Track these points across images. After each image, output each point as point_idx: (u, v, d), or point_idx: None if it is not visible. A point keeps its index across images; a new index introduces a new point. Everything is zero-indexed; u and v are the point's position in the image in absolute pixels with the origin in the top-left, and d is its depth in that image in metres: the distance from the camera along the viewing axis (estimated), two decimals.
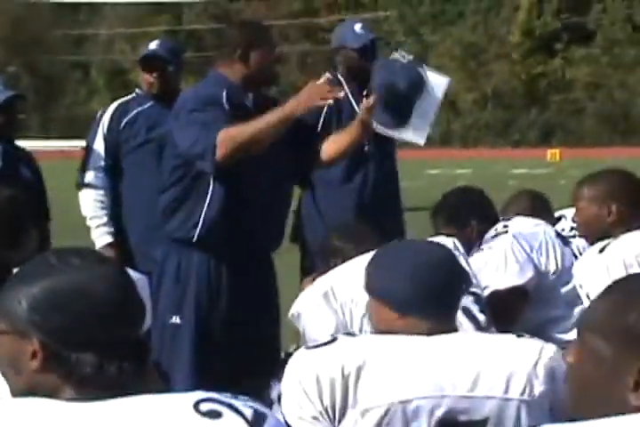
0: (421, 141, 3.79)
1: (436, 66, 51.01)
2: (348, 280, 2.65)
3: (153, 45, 4.71)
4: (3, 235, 2.61)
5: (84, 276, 1.50)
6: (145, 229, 4.43)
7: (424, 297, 2.10)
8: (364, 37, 4.40)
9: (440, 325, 2.11)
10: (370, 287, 2.17)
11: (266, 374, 3.08)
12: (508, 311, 3.13)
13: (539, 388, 2.07)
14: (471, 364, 2.07)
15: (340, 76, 4.48)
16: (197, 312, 3.67)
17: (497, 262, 3.27)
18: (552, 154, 32.81)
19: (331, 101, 3.52)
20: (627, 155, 28.72)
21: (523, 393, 2.05)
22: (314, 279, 2.94)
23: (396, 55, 3.98)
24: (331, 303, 2.69)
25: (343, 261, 2.82)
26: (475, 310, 2.75)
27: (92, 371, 1.47)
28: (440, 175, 25.15)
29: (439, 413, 2.02)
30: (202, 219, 3.62)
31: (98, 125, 4.69)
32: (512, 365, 2.07)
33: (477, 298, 2.78)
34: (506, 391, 2.05)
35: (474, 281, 2.81)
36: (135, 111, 4.68)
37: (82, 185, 4.61)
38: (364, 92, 4.44)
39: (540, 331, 3.20)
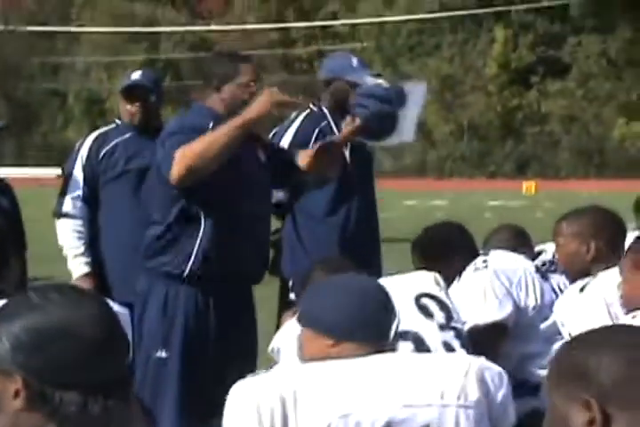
0: (410, 140, 3.86)
1: None
2: None
3: (136, 75, 4.69)
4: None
5: (68, 314, 1.47)
6: (123, 259, 4.40)
7: (359, 323, 2.19)
8: (361, 72, 4.41)
9: (376, 350, 2.18)
10: (304, 317, 2.26)
11: None
12: (487, 346, 3.12)
13: (474, 394, 2.13)
14: (407, 376, 2.14)
15: (323, 108, 4.47)
16: (184, 346, 3.61)
17: (476, 297, 3.26)
18: (527, 186, 32.99)
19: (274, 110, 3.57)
20: (601, 188, 28.94)
21: (459, 399, 2.12)
22: (294, 313, 2.92)
23: (377, 81, 4.02)
24: None
25: None
26: (456, 345, 2.74)
27: (77, 410, 1.44)
28: (416, 206, 25.20)
29: (380, 423, 2.07)
30: (194, 254, 3.58)
31: (77, 155, 4.67)
32: (445, 375, 2.15)
33: (458, 333, 2.78)
34: (442, 398, 2.11)
35: (454, 316, 2.80)
36: (114, 141, 4.66)
37: (60, 215, 4.59)
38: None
39: (519, 366, 3.19)
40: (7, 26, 51.13)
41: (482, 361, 2.22)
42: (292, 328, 2.77)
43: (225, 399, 3.49)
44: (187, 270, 3.57)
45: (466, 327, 3.15)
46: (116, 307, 2.52)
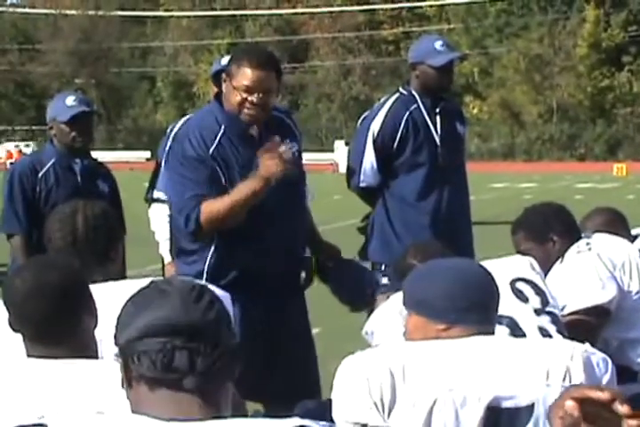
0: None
1: (501, 78, 50.70)
2: None
3: (225, 61, 4.68)
4: (97, 248, 2.63)
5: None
6: None
7: (469, 307, 2.20)
8: (445, 56, 4.34)
9: (482, 332, 2.20)
10: (412, 303, 2.27)
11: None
12: (588, 330, 3.05)
13: (579, 377, 2.13)
14: (513, 356, 2.15)
15: (413, 92, 4.43)
16: None
17: (580, 280, 3.19)
18: (618, 168, 32.44)
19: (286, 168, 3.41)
20: None
21: (564, 380, 2.12)
22: (388, 297, 2.90)
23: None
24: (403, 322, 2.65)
25: None
26: (552, 330, 2.70)
27: None
28: (505, 189, 24.96)
29: (486, 399, 2.09)
30: (206, 267, 3.50)
31: (168, 140, 4.69)
32: (551, 357, 2.15)
33: (554, 318, 2.74)
34: (547, 379, 2.12)
35: (550, 301, 2.76)
36: None
37: (151, 200, 4.62)
38: (437, 109, 4.39)
39: (619, 352, 3.12)
40: (98, 11, 51.95)
41: (587, 346, 2.23)
42: (385, 311, 2.76)
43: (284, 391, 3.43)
44: (204, 276, 3.49)
45: (567, 310, 3.09)
46: (218, 291, 2.53)
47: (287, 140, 3.56)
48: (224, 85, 3.50)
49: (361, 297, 3.68)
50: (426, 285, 2.25)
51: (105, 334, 2.09)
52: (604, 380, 2.17)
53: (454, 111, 4.59)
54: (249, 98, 3.42)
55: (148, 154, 43.67)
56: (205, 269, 3.50)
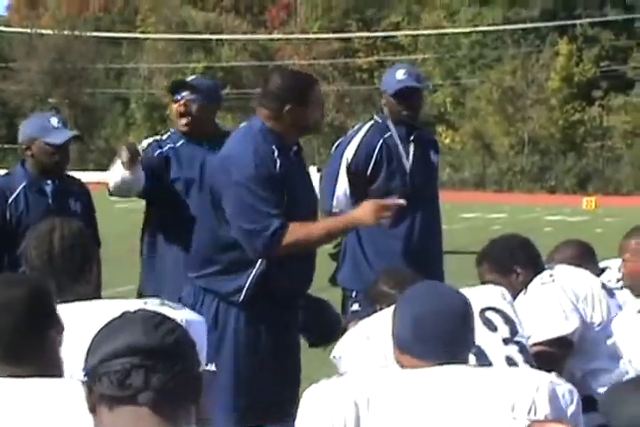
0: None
1: (473, 109, 50.84)
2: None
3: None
4: (73, 267, 2.62)
5: None
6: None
7: (421, 339, 2.20)
8: (400, 84, 4.39)
9: (439, 363, 2.17)
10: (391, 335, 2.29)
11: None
12: (551, 361, 3.06)
13: (544, 409, 2.11)
14: (478, 388, 2.14)
15: (387, 120, 4.47)
16: (235, 359, 3.56)
17: (543, 311, 3.21)
18: (588, 202, 32.65)
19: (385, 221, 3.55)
20: None
21: (529, 413, 2.10)
22: (356, 323, 2.91)
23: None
24: (373, 347, 2.66)
25: (388, 306, 2.80)
26: (519, 360, 2.71)
27: None
28: (475, 219, 25.06)
29: None
30: (248, 283, 3.52)
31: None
32: (516, 388, 2.13)
33: (522, 347, 2.75)
34: (512, 411, 2.10)
35: (519, 330, 2.77)
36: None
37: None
38: (411, 137, 4.43)
39: (582, 383, 3.13)
40: (74, 31, 51.89)
41: (553, 377, 2.21)
42: (353, 337, 2.76)
43: (275, 410, 3.47)
44: (241, 298, 3.52)
45: (531, 341, 3.11)
46: (193, 315, 2.53)
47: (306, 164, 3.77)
48: (283, 112, 3.53)
49: (324, 340, 3.69)
50: (398, 318, 2.27)
51: (72, 353, 2.09)
52: (570, 411, 2.15)
53: (428, 140, 4.64)
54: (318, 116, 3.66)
55: None
56: (247, 286, 3.50)
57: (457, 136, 47.10)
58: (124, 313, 1.72)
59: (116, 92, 53.20)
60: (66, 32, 51.56)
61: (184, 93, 4.37)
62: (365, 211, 3.44)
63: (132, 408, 1.61)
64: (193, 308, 3.47)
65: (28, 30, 52.17)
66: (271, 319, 3.57)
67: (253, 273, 3.50)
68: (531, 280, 3.30)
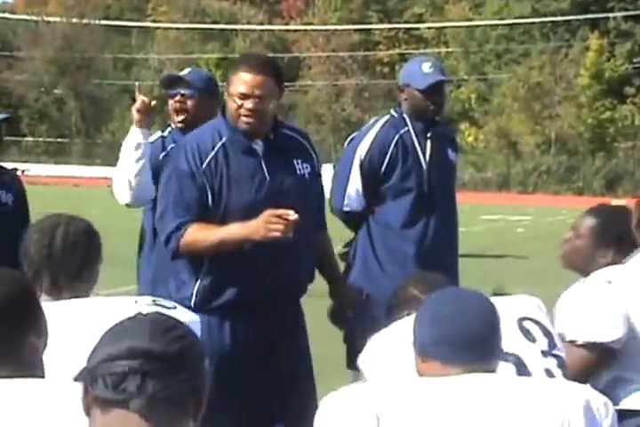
0: None
1: (499, 105, 50.38)
2: None
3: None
4: (72, 265, 2.64)
5: None
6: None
7: (444, 340, 2.17)
8: (430, 78, 4.34)
9: (467, 370, 2.14)
10: (413, 342, 2.27)
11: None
12: (586, 367, 3.04)
13: (578, 423, 2.08)
14: (509, 400, 2.10)
15: (404, 115, 4.45)
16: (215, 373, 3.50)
17: (589, 312, 3.17)
18: None
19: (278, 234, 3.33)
20: None
21: None
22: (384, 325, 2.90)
23: None
24: (401, 352, 2.65)
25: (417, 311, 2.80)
26: (558, 374, 2.67)
27: None
28: (497, 221, 25.02)
29: None
30: (195, 291, 3.48)
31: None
32: (548, 401, 2.10)
33: (561, 362, 2.70)
34: (544, 426, 2.06)
35: (558, 344, 2.74)
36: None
37: None
38: (429, 134, 4.40)
39: (608, 389, 3.10)
40: (82, 19, 52.00)
41: (587, 389, 2.19)
42: (381, 341, 2.76)
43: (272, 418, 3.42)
44: (191, 303, 3.46)
45: (574, 337, 3.08)
46: (187, 314, 2.55)
47: (299, 161, 3.58)
48: (225, 96, 3.53)
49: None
50: (418, 322, 2.24)
51: (58, 352, 2.11)
52: (605, 425, 2.13)
53: (447, 137, 4.60)
54: (244, 104, 3.43)
55: None
56: (194, 294, 3.50)
57: (481, 134, 47.03)
58: (136, 314, 1.72)
59: (124, 84, 53.31)
60: (74, 19, 51.69)
61: (179, 89, 4.38)
62: (258, 223, 3.33)
63: (123, 413, 1.62)
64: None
65: (34, 17, 52.33)
66: (231, 328, 3.46)
67: (199, 281, 3.49)
68: (615, 263, 3.24)
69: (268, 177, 3.49)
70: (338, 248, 4.43)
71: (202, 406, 1.68)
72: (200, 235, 3.44)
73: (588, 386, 2.22)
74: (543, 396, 2.13)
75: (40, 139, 50.52)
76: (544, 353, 2.69)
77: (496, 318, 2.23)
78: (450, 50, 50.71)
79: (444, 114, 4.71)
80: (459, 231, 4.59)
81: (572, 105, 44.91)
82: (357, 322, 4.03)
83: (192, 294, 3.50)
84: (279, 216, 3.30)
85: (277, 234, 3.31)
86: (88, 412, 1.66)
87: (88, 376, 1.65)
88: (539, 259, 11.45)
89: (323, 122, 50.24)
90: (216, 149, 3.47)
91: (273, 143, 3.52)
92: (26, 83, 51.21)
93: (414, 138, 4.40)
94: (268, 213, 3.32)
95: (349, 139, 4.54)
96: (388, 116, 4.46)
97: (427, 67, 4.38)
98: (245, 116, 3.43)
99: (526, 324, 2.70)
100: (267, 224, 3.32)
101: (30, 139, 49.56)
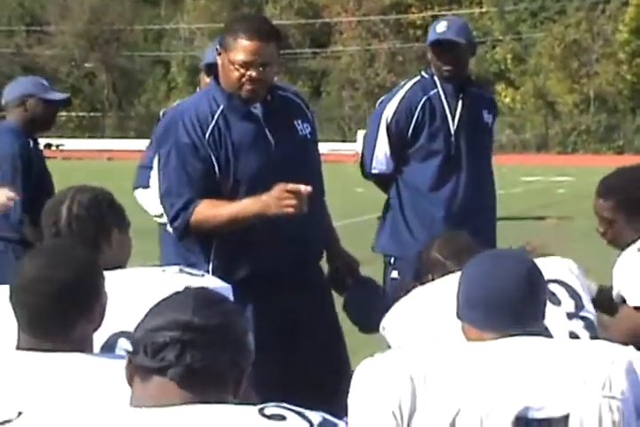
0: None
1: (535, 65, 50.02)
2: (445, 294, 2.63)
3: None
4: (85, 239, 2.60)
5: None
6: None
7: (478, 307, 2.17)
8: (437, 36, 4.32)
9: (508, 334, 2.14)
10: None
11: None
12: (633, 331, 3.01)
13: (620, 384, 2.07)
14: (547, 361, 2.10)
15: (434, 77, 4.40)
16: None
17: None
18: None
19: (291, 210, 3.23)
20: None
21: (603, 389, 2.06)
22: (408, 291, 2.90)
23: None
24: (424, 318, 2.66)
25: (441, 277, 2.78)
26: (584, 335, 2.65)
27: None
28: (537, 183, 24.89)
29: (514, 410, 2.04)
30: (211, 266, 3.41)
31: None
32: (589, 362, 2.09)
33: (588, 323, 2.70)
34: (584, 386, 2.06)
35: (586, 305, 2.73)
36: None
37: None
38: (460, 95, 4.36)
39: None
40: None
41: (630, 350, 2.16)
42: (404, 307, 2.76)
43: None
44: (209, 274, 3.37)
45: (631, 304, 3.05)
46: (214, 283, 2.56)
47: (299, 121, 3.50)
48: (219, 60, 3.39)
49: (368, 322, 3.53)
50: (460, 287, 2.23)
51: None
52: None
53: (482, 98, 4.52)
54: (248, 73, 3.32)
55: None
56: (210, 269, 3.41)
57: (517, 95, 46.70)
58: (185, 288, 1.79)
59: (155, 55, 53.38)
60: None
61: None
62: (270, 198, 3.25)
63: (162, 380, 1.67)
64: None
65: None
66: (257, 303, 3.39)
67: (210, 263, 3.44)
68: None
69: (272, 141, 3.42)
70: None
71: (242, 381, 1.73)
72: (210, 212, 3.35)
73: (631, 347, 2.18)
74: (582, 356, 2.11)
75: (73, 113, 50.78)
76: (569, 315, 2.68)
77: (535, 281, 2.21)
78: (484, 10, 50.24)
79: (482, 75, 4.62)
80: (495, 193, 4.54)
81: (611, 62, 44.44)
82: (389, 286, 4.06)
83: (208, 270, 3.41)
84: (292, 191, 3.22)
85: (291, 210, 3.22)
86: (131, 381, 1.72)
87: (133, 346, 1.72)
88: (583, 219, 11.46)
89: (356, 88, 50.07)
90: (216, 117, 3.38)
91: (271, 105, 3.44)
92: (56, 57, 51.45)
93: (444, 100, 4.36)
94: (279, 187, 3.23)
95: (379, 101, 4.52)
96: (417, 78, 4.43)
97: (441, 26, 4.35)
98: (249, 84, 3.34)
99: (552, 286, 2.69)
100: (279, 200, 3.23)
101: (64, 113, 49.85)
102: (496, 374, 2.08)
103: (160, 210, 3.98)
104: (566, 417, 2.04)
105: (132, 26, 52.82)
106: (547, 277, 2.69)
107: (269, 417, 1.63)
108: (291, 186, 3.22)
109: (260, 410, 1.64)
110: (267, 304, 3.40)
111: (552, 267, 2.77)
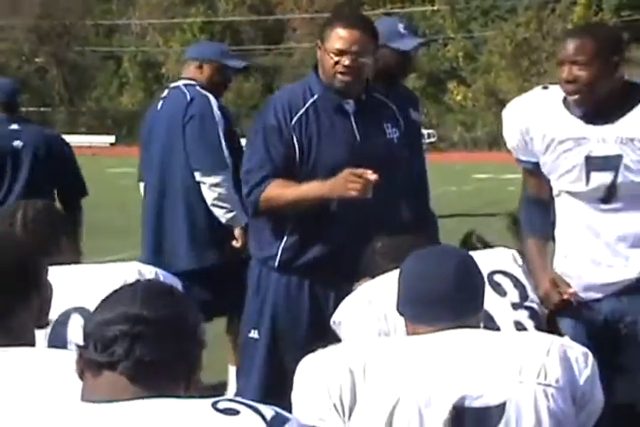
0: None
1: (487, 63, 50.25)
2: (392, 289, 2.65)
3: None
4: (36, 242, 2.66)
5: None
6: None
7: (411, 301, 2.23)
8: (412, 40, 4.24)
9: (437, 330, 2.18)
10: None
11: None
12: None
13: (555, 373, 2.12)
14: (483, 351, 2.15)
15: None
16: (272, 329, 3.58)
17: None
18: None
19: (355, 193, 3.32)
20: None
21: (538, 377, 2.10)
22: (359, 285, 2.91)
23: None
24: (374, 312, 2.67)
25: (384, 272, 2.80)
26: (529, 325, 2.72)
27: None
28: (488, 180, 25.04)
29: (452, 398, 2.08)
30: (280, 250, 3.53)
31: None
32: (524, 351, 2.14)
33: (533, 313, 2.76)
34: (520, 375, 2.10)
35: (531, 295, 2.78)
36: None
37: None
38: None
39: None
40: None
41: (565, 340, 2.22)
42: (354, 301, 2.77)
43: None
44: (275, 264, 3.55)
45: None
46: (169, 277, 2.60)
47: (389, 125, 3.59)
48: (319, 53, 3.53)
49: None
50: (398, 284, 2.28)
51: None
52: (584, 375, 2.16)
53: (407, 98, 4.39)
54: (341, 60, 3.44)
55: (112, 139, 43.37)
56: (279, 253, 3.53)
57: (469, 92, 46.94)
58: (135, 281, 1.79)
59: (107, 51, 52.97)
60: None
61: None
62: (336, 181, 3.35)
63: (112, 375, 1.68)
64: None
65: None
66: (310, 288, 3.54)
67: (284, 240, 3.52)
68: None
69: (358, 137, 3.51)
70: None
71: (194, 371, 1.73)
72: (279, 191, 3.45)
73: (565, 337, 2.24)
74: (517, 346, 2.16)
75: (23, 109, 50.26)
76: (514, 306, 2.74)
77: (467, 274, 2.25)
78: (436, 8, 50.45)
79: (431, 73, 4.59)
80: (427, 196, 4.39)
81: None
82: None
83: (277, 254, 3.54)
84: (359, 176, 3.29)
85: (355, 193, 3.30)
86: (81, 375, 1.72)
87: (83, 340, 1.71)
88: None
89: None
90: (307, 105, 3.49)
91: (364, 104, 3.54)
92: (6, 52, 50.87)
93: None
94: (347, 171, 3.32)
95: None
96: None
97: (402, 27, 4.27)
98: (342, 73, 3.45)
99: (497, 277, 2.75)
100: (345, 183, 3.31)
101: None
102: (434, 365, 2.12)
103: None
104: (503, 405, 2.08)
105: (84, 20, 52.36)
106: (492, 268, 2.74)
107: (222, 411, 1.63)
108: (359, 170, 3.30)
109: (214, 404, 1.64)
110: (325, 290, 3.51)
111: (497, 258, 2.83)
